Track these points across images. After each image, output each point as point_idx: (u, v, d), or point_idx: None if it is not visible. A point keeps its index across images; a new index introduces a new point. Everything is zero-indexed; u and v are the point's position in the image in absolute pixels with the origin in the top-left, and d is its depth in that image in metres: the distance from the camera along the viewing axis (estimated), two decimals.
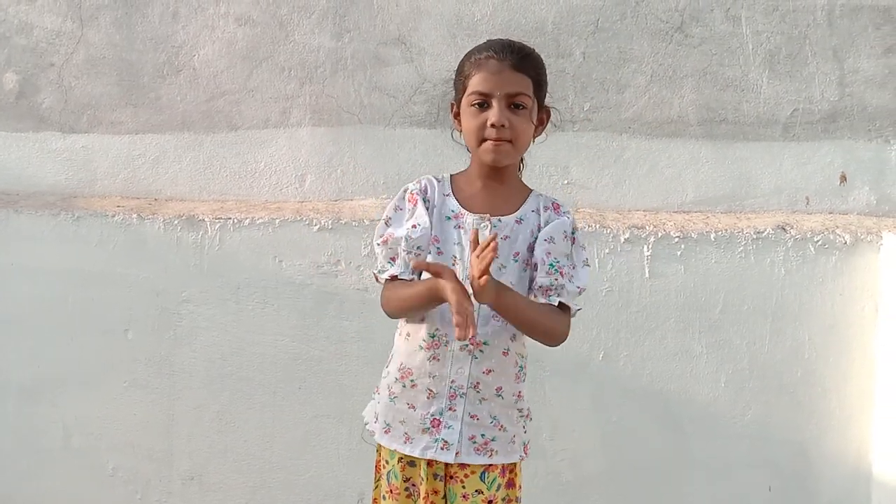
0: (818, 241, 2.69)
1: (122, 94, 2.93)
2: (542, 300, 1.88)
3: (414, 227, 1.90)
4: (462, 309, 1.71)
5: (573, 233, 1.95)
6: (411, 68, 2.87)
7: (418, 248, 1.89)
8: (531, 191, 1.98)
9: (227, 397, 2.75)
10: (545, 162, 2.85)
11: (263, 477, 2.77)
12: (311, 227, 2.71)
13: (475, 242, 1.75)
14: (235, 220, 2.73)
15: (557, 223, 1.92)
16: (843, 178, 2.89)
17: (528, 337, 1.92)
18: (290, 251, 2.71)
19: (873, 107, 2.87)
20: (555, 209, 1.95)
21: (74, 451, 2.79)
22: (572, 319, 1.93)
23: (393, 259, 1.92)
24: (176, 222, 2.74)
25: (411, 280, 1.90)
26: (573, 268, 1.93)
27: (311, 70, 2.90)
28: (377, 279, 1.96)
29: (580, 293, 1.92)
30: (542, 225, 1.92)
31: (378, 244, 1.95)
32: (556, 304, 1.89)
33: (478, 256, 1.71)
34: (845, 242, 2.68)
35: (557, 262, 1.89)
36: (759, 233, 2.70)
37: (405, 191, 1.96)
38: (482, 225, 1.89)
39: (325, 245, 2.70)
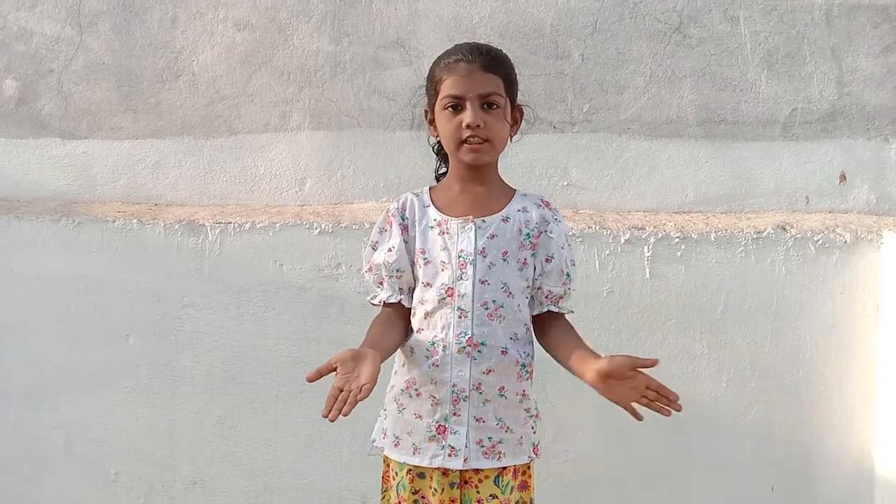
0: (818, 240, 2.69)
1: (122, 100, 2.94)
2: (550, 307, 1.94)
3: (389, 251, 1.94)
4: (339, 385, 1.77)
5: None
6: (410, 71, 2.87)
7: (398, 270, 1.93)
8: (515, 190, 1.99)
9: (228, 402, 2.75)
10: (545, 164, 2.85)
11: (266, 481, 2.76)
12: (312, 231, 2.71)
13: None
14: (236, 225, 2.73)
15: (559, 230, 1.95)
16: (843, 178, 2.89)
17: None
18: (290, 255, 2.71)
19: (872, 105, 2.87)
20: (546, 206, 1.97)
21: (77, 456, 2.79)
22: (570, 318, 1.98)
23: (381, 284, 1.97)
24: (176, 227, 2.74)
25: (395, 305, 1.95)
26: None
27: (310, 74, 2.90)
28: (372, 305, 2.00)
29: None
30: (535, 221, 1.93)
31: (365, 272, 2.00)
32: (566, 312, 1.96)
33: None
34: (845, 241, 2.68)
35: (569, 272, 1.95)
36: (759, 232, 2.70)
37: (386, 212, 1.99)
38: (466, 227, 1.90)
39: (325, 249, 2.70)
